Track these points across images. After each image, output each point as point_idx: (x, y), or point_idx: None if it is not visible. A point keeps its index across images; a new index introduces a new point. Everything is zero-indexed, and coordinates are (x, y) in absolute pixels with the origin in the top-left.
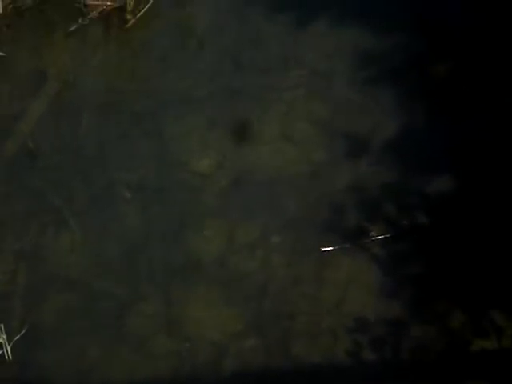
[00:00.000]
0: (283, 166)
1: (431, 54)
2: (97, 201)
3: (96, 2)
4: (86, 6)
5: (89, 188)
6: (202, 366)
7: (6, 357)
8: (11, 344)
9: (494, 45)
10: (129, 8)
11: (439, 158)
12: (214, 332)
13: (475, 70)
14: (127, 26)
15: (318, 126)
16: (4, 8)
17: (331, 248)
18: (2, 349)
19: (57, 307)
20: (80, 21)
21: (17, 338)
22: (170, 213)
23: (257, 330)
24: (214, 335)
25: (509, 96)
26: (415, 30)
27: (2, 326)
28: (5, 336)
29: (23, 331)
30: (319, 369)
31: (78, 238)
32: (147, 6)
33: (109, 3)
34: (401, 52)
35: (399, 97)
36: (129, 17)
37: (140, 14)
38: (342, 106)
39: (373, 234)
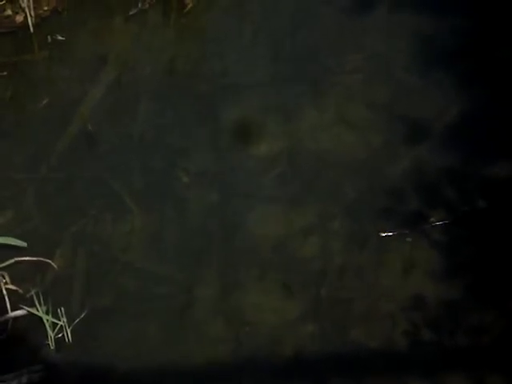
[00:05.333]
0: (341, 151)
1: (495, 38)
2: (155, 185)
3: None
4: None
5: (147, 172)
6: (260, 351)
7: (66, 340)
8: (71, 327)
9: None
10: None
11: (501, 143)
12: (271, 317)
13: None
14: (186, 10)
15: (377, 111)
16: None
17: (390, 233)
18: (63, 331)
19: (116, 291)
20: (139, 5)
21: (77, 321)
22: (228, 197)
23: (315, 316)
24: (272, 320)
25: None
26: (477, 12)
27: (63, 309)
28: (65, 319)
29: (83, 314)
30: (377, 354)
31: (136, 222)
32: None
33: None
34: (463, 35)
35: (461, 81)
36: (187, 1)
37: None
38: (402, 90)
39: (433, 219)
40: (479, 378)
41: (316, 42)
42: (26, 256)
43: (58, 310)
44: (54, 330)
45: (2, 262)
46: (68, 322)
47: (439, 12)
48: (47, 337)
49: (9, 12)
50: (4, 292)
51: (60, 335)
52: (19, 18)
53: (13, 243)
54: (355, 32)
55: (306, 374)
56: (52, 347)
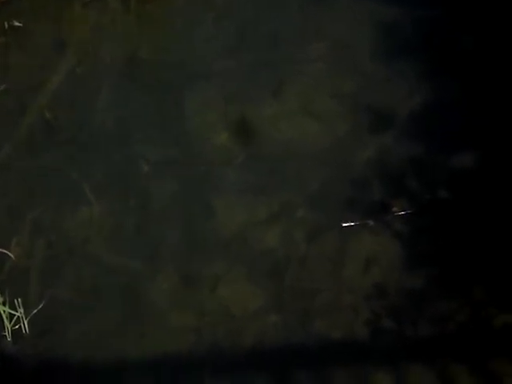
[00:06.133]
0: (305, 141)
1: (458, 26)
2: (116, 175)
3: None
4: None
5: (107, 162)
6: (222, 342)
7: (24, 331)
8: (28, 318)
9: None
10: None
11: (464, 133)
12: (233, 308)
13: (503, 44)
14: None
15: (341, 100)
16: None
17: (352, 223)
18: (20, 323)
19: (74, 282)
20: None
21: (34, 312)
22: (190, 187)
23: (277, 307)
24: (234, 311)
25: None
26: (441, 2)
27: (20, 300)
28: (22, 310)
29: (40, 306)
30: (340, 344)
31: (96, 212)
32: None
33: None
34: (426, 23)
35: (425, 70)
36: None
37: None
38: (366, 79)
39: (395, 209)
40: (441, 367)
41: (280, 30)
42: None
43: (15, 301)
44: (10, 322)
45: None
46: (25, 313)
47: (403, 1)
48: (4, 328)
49: None
50: None
51: (17, 326)
52: None
53: None
54: (319, 21)
55: (268, 364)
56: (9, 338)
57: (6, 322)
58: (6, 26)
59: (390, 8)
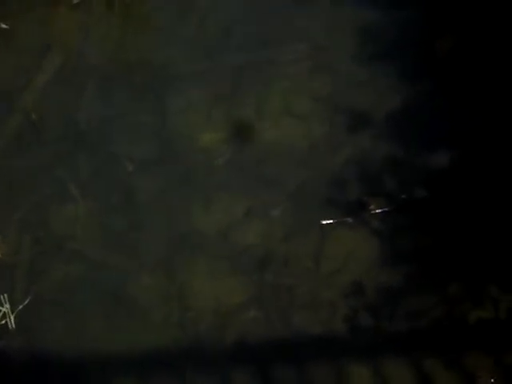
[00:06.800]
0: (286, 141)
1: (436, 29)
2: (101, 173)
3: None
4: None
5: (92, 160)
6: (204, 337)
7: (10, 326)
8: (14, 314)
9: (501, 20)
10: None
11: (440, 134)
12: (215, 303)
13: (479, 48)
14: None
15: (321, 101)
16: None
17: (331, 221)
18: (6, 318)
19: (60, 278)
20: None
21: (20, 307)
22: (173, 186)
23: (258, 302)
24: (215, 306)
25: None
26: (419, 5)
27: (6, 295)
28: (8, 306)
29: (26, 301)
30: (318, 339)
31: (81, 210)
32: None
33: None
34: (404, 27)
35: (402, 72)
36: None
37: None
38: (345, 80)
39: (372, 207)
40: (417, 361)
41: (262, 32)
42: None
43: (1, 297)
44: None
45: None
46: (11, 308)
47: (383, 4)
48: None
49: None
50: None
51: (3, 322)
52: None
53: None
54: (301, 23)
55: (249, 359)
56: None
57: None
58: None
59: (370, 11)
